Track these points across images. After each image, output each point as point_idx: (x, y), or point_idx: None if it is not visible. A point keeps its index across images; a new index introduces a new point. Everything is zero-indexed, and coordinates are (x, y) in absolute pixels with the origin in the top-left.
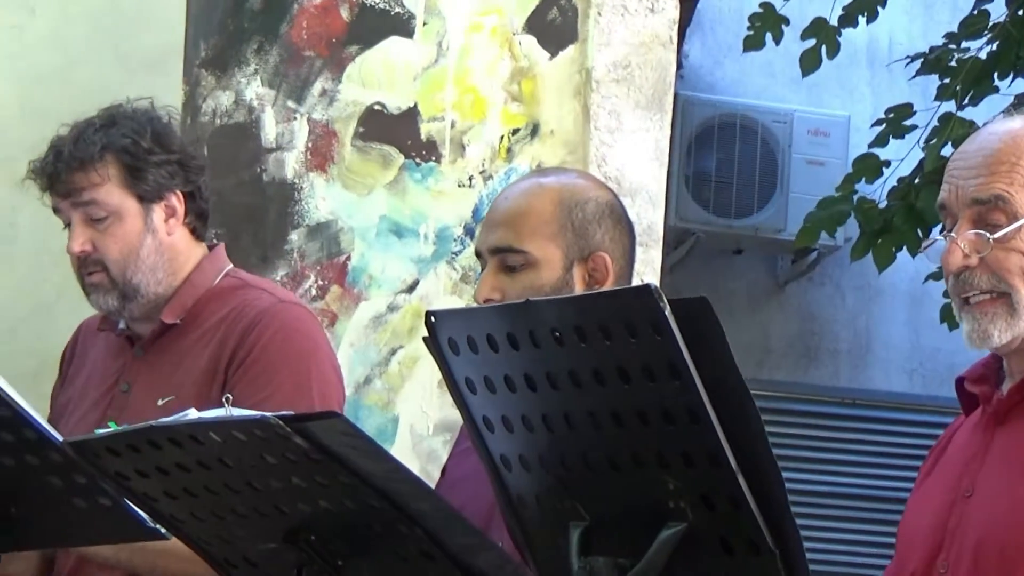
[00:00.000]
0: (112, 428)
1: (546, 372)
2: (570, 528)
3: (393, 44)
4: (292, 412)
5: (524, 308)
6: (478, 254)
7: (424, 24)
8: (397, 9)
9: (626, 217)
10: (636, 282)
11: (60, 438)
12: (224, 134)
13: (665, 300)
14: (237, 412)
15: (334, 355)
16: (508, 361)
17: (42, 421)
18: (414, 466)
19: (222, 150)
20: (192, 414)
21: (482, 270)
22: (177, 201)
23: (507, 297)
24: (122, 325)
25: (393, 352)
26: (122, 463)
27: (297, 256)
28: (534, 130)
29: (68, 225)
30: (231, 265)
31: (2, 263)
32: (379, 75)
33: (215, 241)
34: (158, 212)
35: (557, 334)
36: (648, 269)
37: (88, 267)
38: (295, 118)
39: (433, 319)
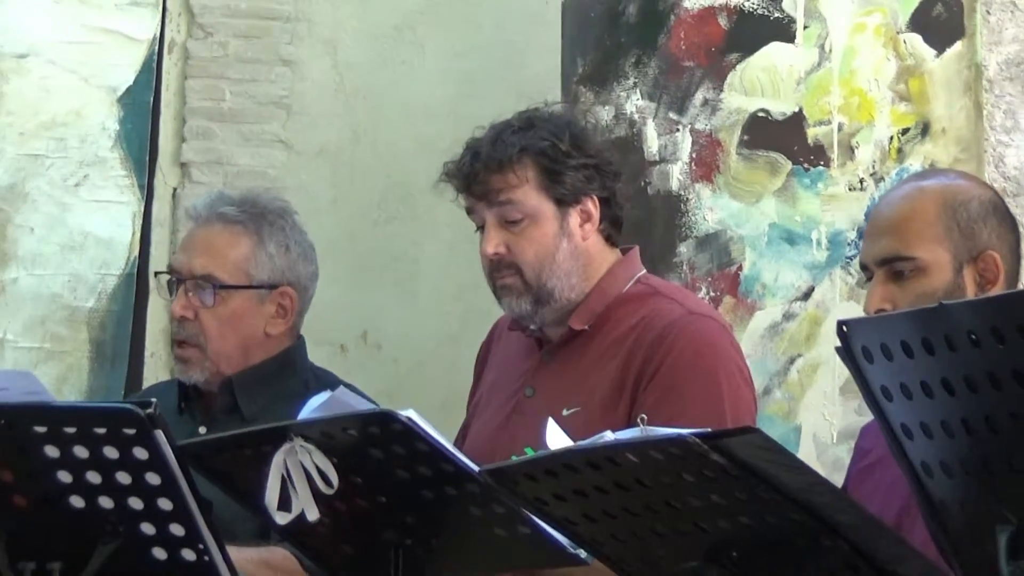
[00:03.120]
0: (529, 454)
1: (964, 376)
2: (997, 532)
3: (774, 49)
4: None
5: (937, 312)
6: (863, 266)
7: (805, 27)
8: (776, 14)
9: (1010, 214)
10: None
11: (477, 469)
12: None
13: None
14: (653, 431)
15: (745, 365)
16: (924, 366)
17: (458, 453)
18: None
19: None
20: (608, 435)
21: (868, 281)
22: (593, 206)
23: (898, 306)
24: (533, 327)
25: (792, 361)
26: (540, 488)
27: (687, 268)
28: (924, 129)
29: (480, 228)
30: (643, 270)
31: (406, 298)
32: (762, 82)
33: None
34: (574, 216)
35: (973, 336)
36: None
37: (501, 270)
38: (678, 129)
39: (845, 328)
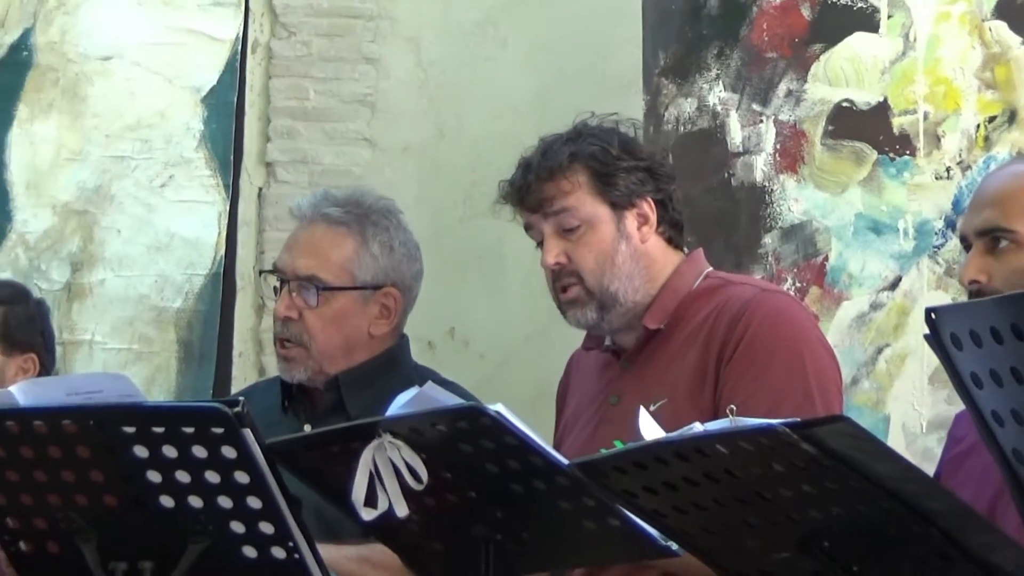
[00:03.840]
0: (618, 447)
1: None
2: None
3: (858, 39)
4: (792, 407)
5: None
6: (962, 238)
7: (889, 17)
8: (860, 4)
9: None
10: None
11: (566, 462)
12: (689, 141)
13: None
14: (742, 422)
15: (826, 339)
16: (1013, 352)
17: (547, 447)
18: None
19: (687, 157)
20: (697, 427)
21: (966, 253)
22: (649, 208)
23: (994, 279)
24: (608, 342)
25: (879, 351)
26: (629, 481)
27: (772, 259)
28: (1011, 116)
29: (540, 244)
30: (710, 268)
31: (493, 294)
32: (846, 72)
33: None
34: (630, 219)
35: None
36: None
37: (563, 279)
38: (761, 120)
39: (933, 315)
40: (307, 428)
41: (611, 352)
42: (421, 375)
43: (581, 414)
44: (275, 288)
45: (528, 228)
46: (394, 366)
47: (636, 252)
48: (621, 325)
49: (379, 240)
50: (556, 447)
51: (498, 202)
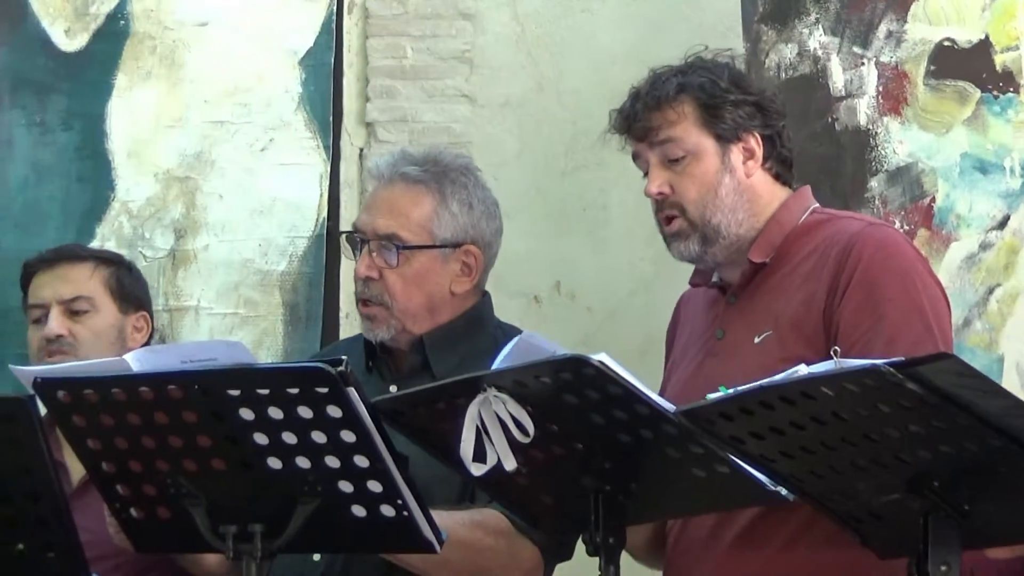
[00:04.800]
0: (723, 392)
1: None
2: None
3: None
4: (911, 340)
5: None
6: None
7: None
8: None
9: None
10: None
11: (673, 409)
12: (791, 87)
13: None
14: (847, 363)
15: (933, 272)
16: None
17: (653, 395)
18: None
19: (790, 103)
20: (802, 369)
21: None
22: (755, 143)
23: None
24: (714, 277)
25: (990, 291)
26: (736, 427)
27: (879, 203)
28: None
29: (646, 174)
30: (816, 204)
31: (597, 246)
32: (946, 10)
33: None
34: (736, 153)
35: None
36: None
37: (666, 210)
38: (863, 63)
39: None
40: (392, 389)
41: (718, 288)
42: (506, 333)
43: (688, 349)
44: (352, 247)
45: (635, 157)
46: (478, 325)
47: (740, 186)
48: (725, 259)
49: (458, 198)
50: (663, 384)
51: (608, 131)
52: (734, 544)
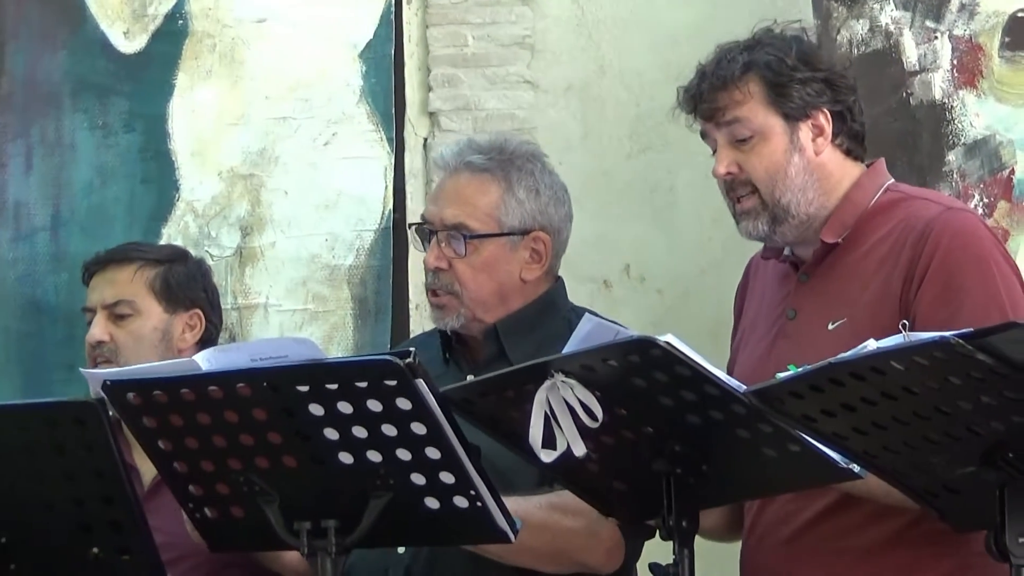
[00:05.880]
0: (791, 371)
1: None
2: None
3: None
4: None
5: None
6: None
7: None
8: None
9: None
10: None
11: (742, 388)
12: (863, 63)
13: None
14: (916, 337)
15: (1009, 255)
16: None
17: (722, 375)
18: None
19: (863, 79)
20: (871, 345)
21: None
22: (824, 120)
23: None
24: (786, 251)
25: None
26: (806, 405)
27: (957, 176)
28: None
29: (715, 151)
30: (891, 180)
31: (665, 228)
32: None
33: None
34: (804, 130)
35: None
36: None
37: (736, 190)
38: (936, 37)
39: None
40: (470, 378)
41: (789, 262)
42: (580, 317)
43: (758, 324)
44: (421, 238)
45: (703, 135)
46: (552, 310)
47: (809, 164)
48: (795, 238)
49: (524, 185)
50: (732, 354)
51: (674, 110)
52: (811, 525)
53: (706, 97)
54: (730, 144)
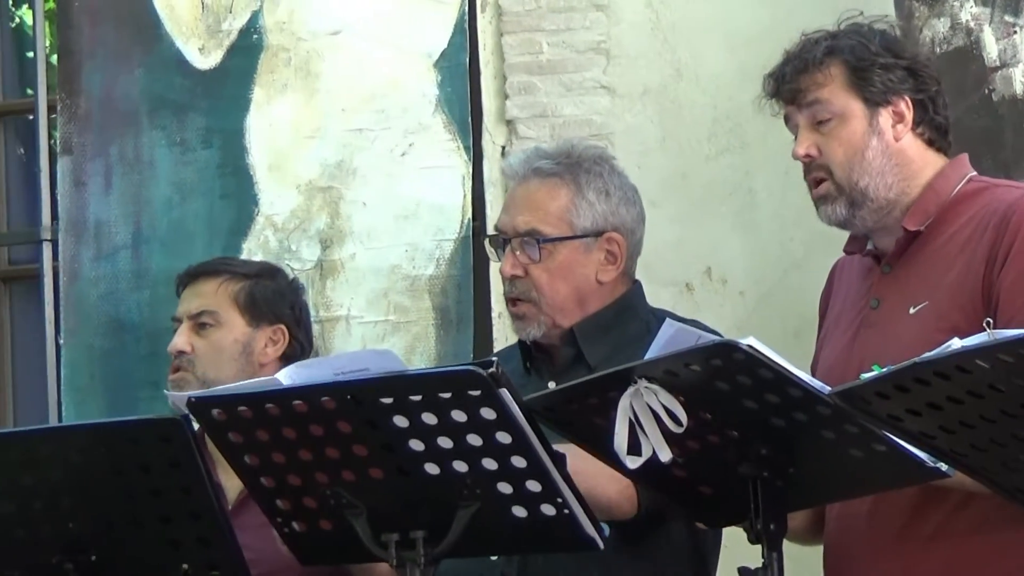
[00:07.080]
0: (876, 371)
1: None
2: None
3: None
4: None
5: None
6: None
7: None
8: None
9: None
10: None
11: (827, 390)
12: (945, 61)
13: None
14: (1000, 335)
15: None
16: None
17: (805, 376)
18: None
19: (946, 77)
20: (955, 344)
21: None
22: (906, 107)
23: None
24: (869, 245)
25: None
26: (892, 405)
27: None
28: None
29: (796, 138)
30: (974, 172)
31: (746, 229)
32: None
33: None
34: (885, 116)
35: None
36: None
37: (814, 173)
38: (1015, 31)
39: None
40: (551, 385)
41: (872, 256)
42: (659, 318)
43: (841, 318)
44: (495, 248)
45: (786, 120)
46: (630, 312)
47: (888, 149)
48: (875, 224)
49: (594, 187)
50: (816, 354)
51: (760, 96)
52: (896, 525)
53: (788, 79)
54: (810, 126)
